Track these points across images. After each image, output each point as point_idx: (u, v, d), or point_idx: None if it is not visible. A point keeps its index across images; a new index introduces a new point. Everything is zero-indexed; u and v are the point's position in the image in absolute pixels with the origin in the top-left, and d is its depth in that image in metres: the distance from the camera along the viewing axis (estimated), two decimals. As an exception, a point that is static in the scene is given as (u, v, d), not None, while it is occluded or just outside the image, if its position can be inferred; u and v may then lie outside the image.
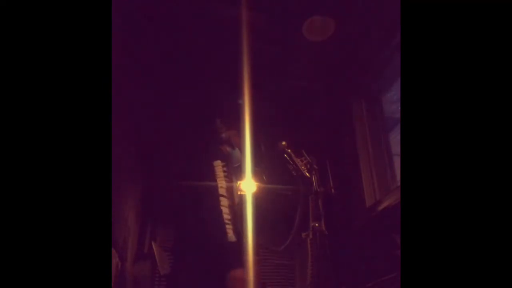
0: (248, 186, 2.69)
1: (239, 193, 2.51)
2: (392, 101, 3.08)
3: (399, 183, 2.28)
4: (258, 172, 2.72)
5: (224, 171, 2.02)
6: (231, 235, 1.86)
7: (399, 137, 2.80)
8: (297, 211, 2.36)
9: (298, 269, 3.16)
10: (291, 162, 1.86)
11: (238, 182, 2.43)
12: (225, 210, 1.90)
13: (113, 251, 1.79)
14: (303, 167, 1.83)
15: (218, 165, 2.03)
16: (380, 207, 2.11)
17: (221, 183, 1.97)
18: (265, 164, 2.71)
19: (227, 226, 1.87)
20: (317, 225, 1.66)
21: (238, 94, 2.35)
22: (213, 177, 2.02)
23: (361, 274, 2.21)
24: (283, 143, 1.89)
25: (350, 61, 2.52)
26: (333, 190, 2.70)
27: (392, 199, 2.02)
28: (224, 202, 1.92)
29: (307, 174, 1.82)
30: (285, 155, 1.87)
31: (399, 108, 2.98)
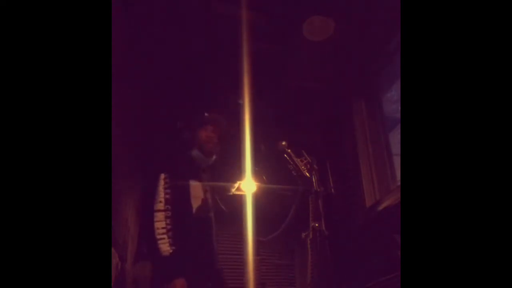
0: (248, 186, 2.69)
1: (233, 193, 2.50)
2: (392, 101, 3.08)
3: (399, 183, 2.28)
4: (258, 172, 2.73)
5: (165, 184, 1.96)
6: (165, 249, 1.76)
7: (399, 137, 2.80)
8: (293, 207, 2.35)
9: (298, 269, 3.16)
10: (291, 162, 1.86)
11: (207, 182, 2.36)
12: (159, 225, 1.80)
13: (113, 251, 1.79)
14: (303, 167, 1.83)
15: (161, 179, 1.92)
16: (380, 207, 2.11)
17: (160, 198, 1.91)
18: (265, 164, 2.71)
19: (160, 241, 1.77)
20: (317, 225, 1.66)
21: (238, 94, 2.35)
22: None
23: (361, 274, 2.21)
24: (283, 143, 1.89)
25: (350, 61, 2.52)
26: (333, 190, 2.71)
27: (392, 199, 2.02)
28: (159, 217, 1.83)
29: (307, 174, 1.82)
30: (285, 155, 1.87)
31: (399, 108, 2.98)
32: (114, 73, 1.13)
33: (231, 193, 2.66)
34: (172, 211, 1.87)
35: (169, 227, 1.82)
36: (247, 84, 2.29)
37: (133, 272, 2.38)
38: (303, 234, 1.71)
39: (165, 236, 1.80)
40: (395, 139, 2.80)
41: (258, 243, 3.01)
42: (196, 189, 2.08)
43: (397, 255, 1.82)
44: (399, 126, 3.00)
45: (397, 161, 2.48)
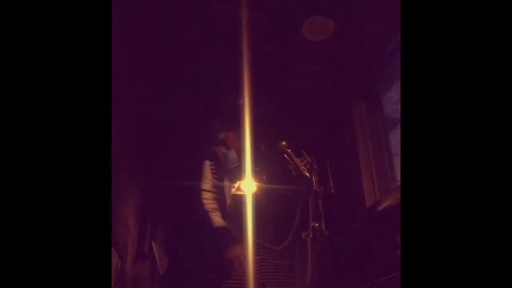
0: (248, 186, 2.69)
1: (233, 193, 2.54)
2: (392, 101, 3.08)
3: (399, 183, 2.28)
4: (258, 172, 2.73)
5: (212, 169, 2.05)
6: (219, 221, 1.88)
7: (399, 137, 2.80)
8: (297, 211, 2.38)
9: (298, 269, 3.16)
10: (291, 162, 1.86)
11: (235, 183, 2.47)
12: (208, 202, 1.93)
13: (113, 251, 1.79)
14: (303, 167, 1.84)
15: (207, 164, 2.06)
16: (380, 207, 2.11)
17: (207, 180, 2.00)
18: (265, 164, 2.71)
19: (212, 213, 1.90)
20: (317, 225, 1.66)
21: (238, 94, 2.35)
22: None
23: (361, 274, 2.21)
24: (283, 143, 1.90)
25: (350, 61, 2.52)
26: (333, 190, 2.71)
27: (392, 199, 2.02)
28: (207, 195, 1.95)
29: (307, 174, 1.82)
30: (285, 155, 1.87)
31: (399, 108, 2.98)
32: (113, 72, 1.13)
33: (231, 193, 2.68)
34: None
35: (215, 206, 1.92)
36: (247, 84, 2.29)
37: (133, 272, 2.39)
38: (303, 234, 1.72)
39: (215, 211, 1.89)
40: (395, 139, 2.80)
41: (258, 244, 3.02)
42: (227, 189, 2.19)
43: (397, 255, 1.82)
44: (399, 126, 3.00)
45: (397, 161, 2.48)
